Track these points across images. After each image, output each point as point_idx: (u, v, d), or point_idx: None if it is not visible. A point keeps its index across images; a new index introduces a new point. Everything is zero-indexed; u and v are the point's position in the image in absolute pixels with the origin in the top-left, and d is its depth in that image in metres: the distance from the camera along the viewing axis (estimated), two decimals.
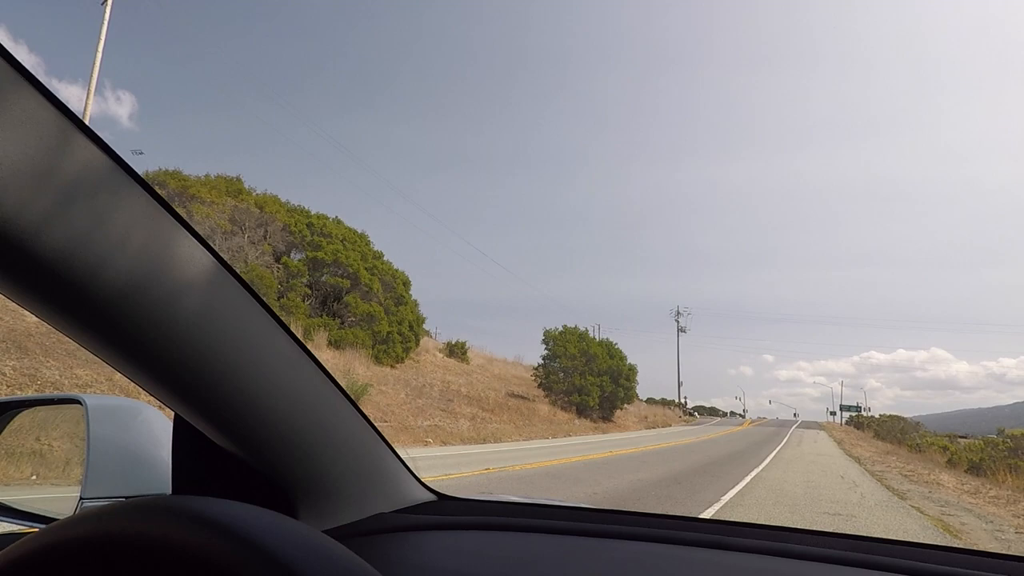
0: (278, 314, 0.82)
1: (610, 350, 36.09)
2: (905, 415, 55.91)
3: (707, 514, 7.76)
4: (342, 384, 0.98)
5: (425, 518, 1.13)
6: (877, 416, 58.18)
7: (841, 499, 10.02)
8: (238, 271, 0.75)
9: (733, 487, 10.46)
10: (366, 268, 24.00)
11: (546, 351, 33.50)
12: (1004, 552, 1.02)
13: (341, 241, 24.02)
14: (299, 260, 23.08)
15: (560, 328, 34.58)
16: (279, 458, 0.87)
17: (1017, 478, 19.18)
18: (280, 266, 22.28)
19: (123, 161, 0.59)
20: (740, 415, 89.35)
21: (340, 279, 23.09)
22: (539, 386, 32.43)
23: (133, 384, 0.76)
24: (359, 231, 25.68)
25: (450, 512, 1.19)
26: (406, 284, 26.89)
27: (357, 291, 23.52)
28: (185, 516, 0.46)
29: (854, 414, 68.89)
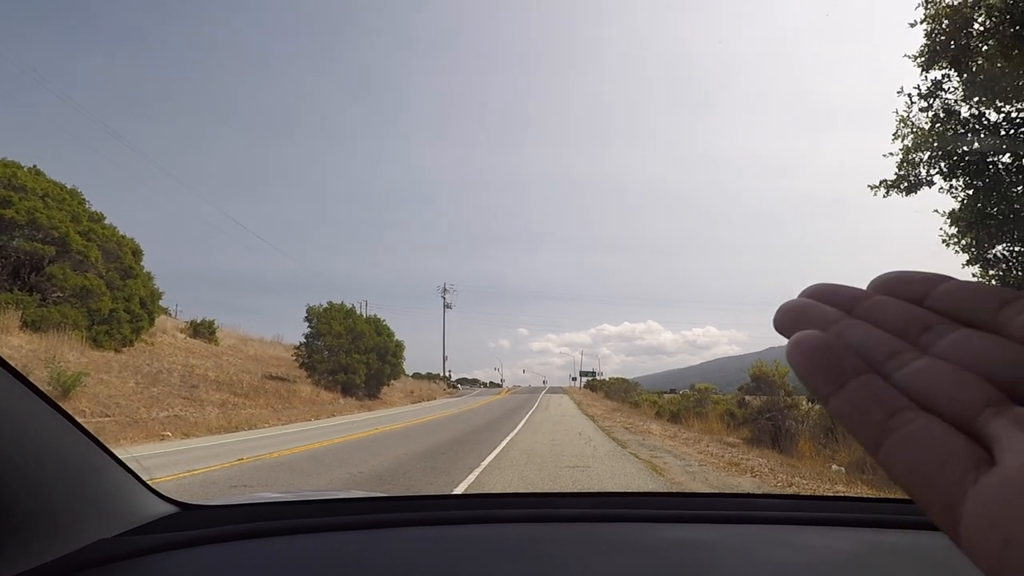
0: None
1: (377, 327, 35.76)
2: (628, 377, 66.47)
3: (470, 478, 8.24)
4: (42, 376, 0.78)
5: (163, 536, 0.97)
6: (607, 379, 68.04)
7: (579, 453, 11.52)
8: None
9: (491, 452, 11.28)
10: (79, 232, 19.82)
11: (309, 329, 31.83)
12: (706, 492, 1.27)
13: (41, 198, 19.39)
14: None
15: (325, 305, 33.12)
16: None
17: (701, 422, 24.33)
18: None
19: None
20: (498, 384, 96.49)
21: (40, 244, 18.69)
22: (301, 366, 30.71)
23: None
24: (68, 186, 21.03)
25: (196, 524, 1.04)
26: (136, 253, 22.96)
27: (66, 260, 19.33)
28: None
29: (590, 378, 79.43)
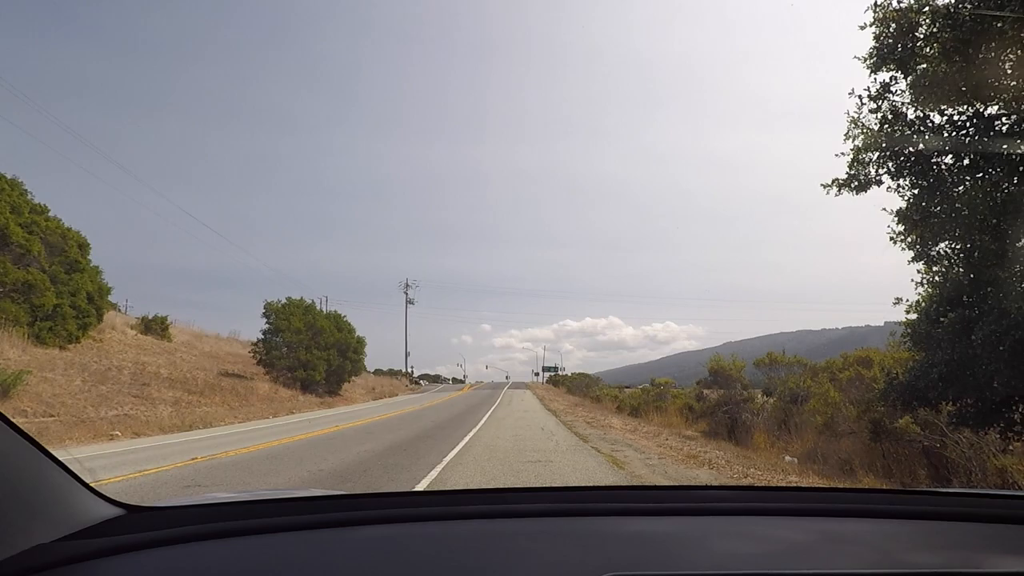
0: None
1: (338, 323, 35.18)
2: (589, 372, 67.27)
3: (431, 474, 8.19)
4: None
5: (107, 540, 0.93)
6: (570, 374, 68.65)
7: (541, 447, 11.60)
8: None
9: (453, 448, 11.25)
10: (20, 224, 18.86)
11: (267, 325, 31.07)
12: (664, 484, 1.29)
13: None
14: None
15: (284, 300, 32.38)
16: None
17: (661, 416, 24.81)
18: None
19: None
20: (461, 380, 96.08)
21: None
22: (259, 363, 29.98)
23: None
24: (7, 176, 19.95)
25: (143, 527, 0.99)
26: (83, 247, 21.99)
27: (6, 253, 18.37)
28: None
29: (553, 373, 79.92)
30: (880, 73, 8.99)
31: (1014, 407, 8.57)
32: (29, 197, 20.42)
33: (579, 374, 62.97)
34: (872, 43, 8.87)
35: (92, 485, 1.05)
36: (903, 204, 9.17)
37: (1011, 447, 9.29)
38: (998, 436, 9.10)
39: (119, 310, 34.14)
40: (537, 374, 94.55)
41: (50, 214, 21.14)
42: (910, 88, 8.82)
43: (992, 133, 8.11)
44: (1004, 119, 8.26)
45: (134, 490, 7.02)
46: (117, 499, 1.07)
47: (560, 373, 76.51)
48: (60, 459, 0.96)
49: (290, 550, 0.95)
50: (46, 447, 0.95)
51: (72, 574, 0.83)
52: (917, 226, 8.94)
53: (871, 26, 8.81)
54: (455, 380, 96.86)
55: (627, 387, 48.14)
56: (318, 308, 35.48)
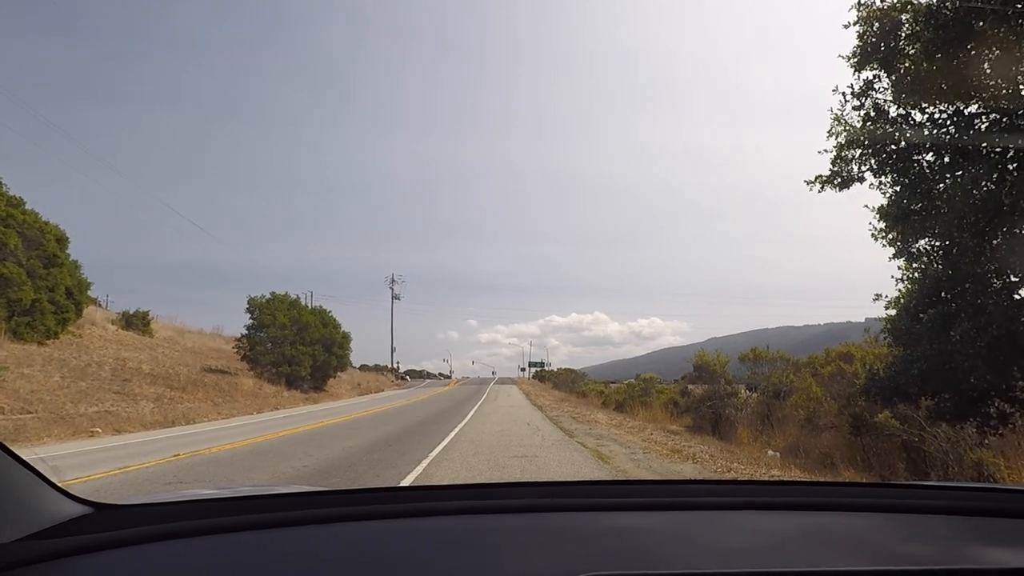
0: None
1: (323, 318, 34.95)
2: (575, 367, 67.45)
3: (417, 470, 8.16)
4: None
5: (74, 540, 0.89)
6: (556, 370, 68.80)
7: (527, 443, 11.61)
8: None
9: (439, 443, 11.22)
10: None
11: (251, 320, 30.77)
12: (649, 479, 1.28)
13: None
14: None
15: (268, 296, 32.07)
16: None
17: (646, 411, 24.96)
18: None
19: None
20: (447, 376, 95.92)
21: None
22: (243, 358, 29.69)
23: None
24: None
25: (112, 526, 0.96)
26: (61, 241, 21.58)
27: None
28: None
29: (539, 369, 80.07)
30: (864, 71, 9.07)
31: (990, 402, 8.73)
32: (5, 190, 20.00)
33: (565, 370, 63.11)
34: (856, 42, 8.94)
35: (59, 483, 1.01)
36: (885, 201, 9.28)
37: (987, 441, 9.47)
38: (974, 430, 9.26)
39: (99, 305, 33.64)
40: (523, 369, 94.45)
41: (27, 207, 20.73)
42: (893, 86, 8.91)
43: (972, 131, 8.23)
44: (984, 117, 8.38)
45: (114, 488, 6.92)
46: (87, 497, 1.04)
47: (546, 369, 76.63)
48: (24, 458, 0.93)
49: (266, 548, 0.93)
50: (13, 447, 0.91)
51: (34, 575, 0.80)
52: (898, 223, 9.04)
53: (855, 25, 8.89)
54: (441, 375, 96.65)
55: (613, 382, 48.33)
56: (303, 303, 35.22)
